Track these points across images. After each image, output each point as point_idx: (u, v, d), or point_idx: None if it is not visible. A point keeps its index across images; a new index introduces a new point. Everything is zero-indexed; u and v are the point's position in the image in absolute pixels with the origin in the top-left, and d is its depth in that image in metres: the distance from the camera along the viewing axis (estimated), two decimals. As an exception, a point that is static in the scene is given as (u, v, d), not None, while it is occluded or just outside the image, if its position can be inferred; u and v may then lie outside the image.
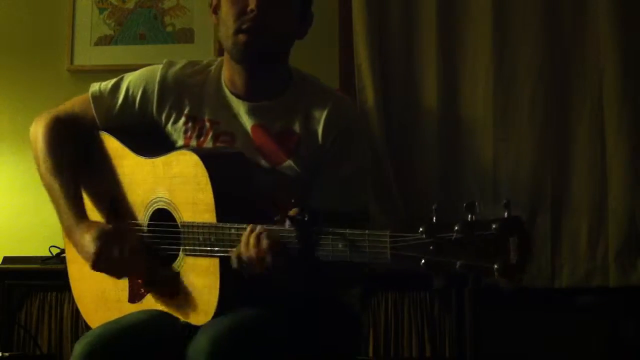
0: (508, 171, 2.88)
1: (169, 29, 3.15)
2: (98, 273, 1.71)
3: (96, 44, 3.15)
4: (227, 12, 1.63)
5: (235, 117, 1.69)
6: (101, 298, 1.75)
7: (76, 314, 1.80)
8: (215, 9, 1.70)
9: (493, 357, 2.68)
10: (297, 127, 1.66)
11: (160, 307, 1.63)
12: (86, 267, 1.76)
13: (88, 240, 1.61)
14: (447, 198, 2.84)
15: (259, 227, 1.41)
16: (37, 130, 1.77)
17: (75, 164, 1.74)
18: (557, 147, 2.87)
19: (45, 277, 2.59)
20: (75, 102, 1.80)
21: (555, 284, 2.85)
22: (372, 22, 2.95)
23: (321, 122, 1.65)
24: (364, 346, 2.52)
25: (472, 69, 2.95)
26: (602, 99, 2.86)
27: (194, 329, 1.53)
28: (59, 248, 2.67)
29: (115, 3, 3.17)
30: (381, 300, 2.56)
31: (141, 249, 1.62)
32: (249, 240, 1.41)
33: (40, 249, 2.75)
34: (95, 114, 1.76)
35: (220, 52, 3.00)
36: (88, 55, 3.14)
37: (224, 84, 1.71)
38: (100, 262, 1.60)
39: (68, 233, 1.69)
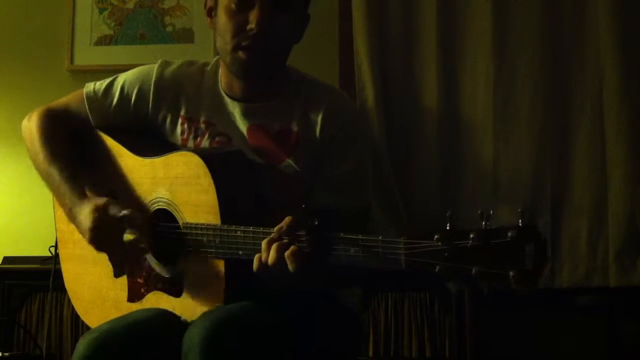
0: (508, 171, 2.88)
1: (169, 29, 3.15)
2: (95, 271, 1.69)
3: (96, 44, 3.15)
4: (225, 25, 1.60)
5: (230, 118, 1.67)
6: (99, 297, 1.73)
7: (76, 313, 1.78)
8: (210, 12, 1.66)
9: (493, 357, 2.68)
10: (295, 126, 1.64)
11: (162, 306, 1.61)
12: (81, 266, 1.75)
13: (86, 214, 1.55)
14: (447, 198, 2.84)
15: (274, 234, 1.37)
16: (31, 122, 1.74)
17: (71, 151, 1.71)
18: (557, 147, 2.87)
19: (45, 277, 2.58)
20: (70, 99, 1.79)
21: (555, 284, 2.85)
22: (372, 22, 2.95)
23: (319, 120, 1.63)
24: (364, 346, 2.51)
25: (472, 69, 2.95)
26: (602, 99, 2.86)
27: None
28: (59, 248, 2.67)
29: (115, 3, 3.17)
30: (381, 300, 2.56)
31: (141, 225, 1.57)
32: (269, 247, 1.36)
33: (40, 249, 2.75)
34: (89, 114, 1.74)
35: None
36: (88, 55, 3.15)
37: (220, 86, 1.70)
38: (98, 236, 1.54)
39: (70, 215, 1.61)
